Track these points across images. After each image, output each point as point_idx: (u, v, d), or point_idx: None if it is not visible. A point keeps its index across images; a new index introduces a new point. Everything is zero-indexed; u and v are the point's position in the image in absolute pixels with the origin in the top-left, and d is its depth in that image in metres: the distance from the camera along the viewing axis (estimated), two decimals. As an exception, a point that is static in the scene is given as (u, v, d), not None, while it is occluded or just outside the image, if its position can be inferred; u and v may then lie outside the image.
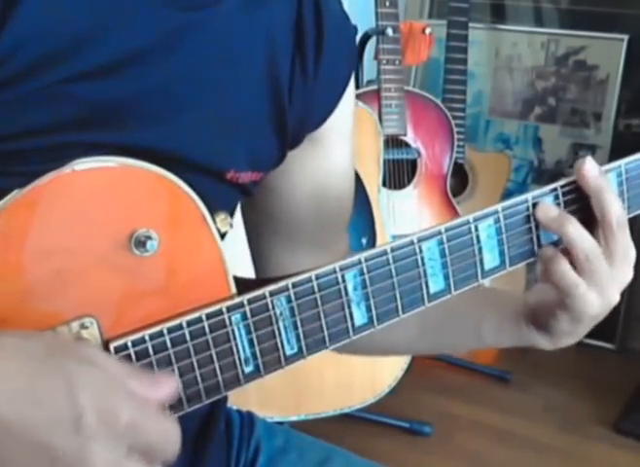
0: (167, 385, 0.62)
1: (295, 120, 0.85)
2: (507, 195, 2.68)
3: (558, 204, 0.81)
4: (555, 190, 0.81)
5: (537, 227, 0.81)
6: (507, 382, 2.62)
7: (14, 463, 0.56)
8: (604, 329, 2.83)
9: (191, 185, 0.69)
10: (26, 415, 0.56)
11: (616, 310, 2.87)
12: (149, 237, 0.65)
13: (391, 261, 0.74)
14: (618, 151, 2.73)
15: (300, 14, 0.83)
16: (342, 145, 0.95)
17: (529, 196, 0.80)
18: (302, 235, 0.96)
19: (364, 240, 2.09)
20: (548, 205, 0.80)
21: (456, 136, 2.51)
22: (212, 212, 0.71)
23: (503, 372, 2.63)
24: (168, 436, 0.60)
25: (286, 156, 0.87)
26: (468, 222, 0.77)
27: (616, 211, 0.80)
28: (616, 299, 0.81)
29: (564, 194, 0.81)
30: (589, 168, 0.80)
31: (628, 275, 0.82)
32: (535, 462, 2.25)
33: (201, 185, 0.72)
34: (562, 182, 0.81)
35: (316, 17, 0.84)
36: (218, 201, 0.79)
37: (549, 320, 0.83)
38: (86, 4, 0.68)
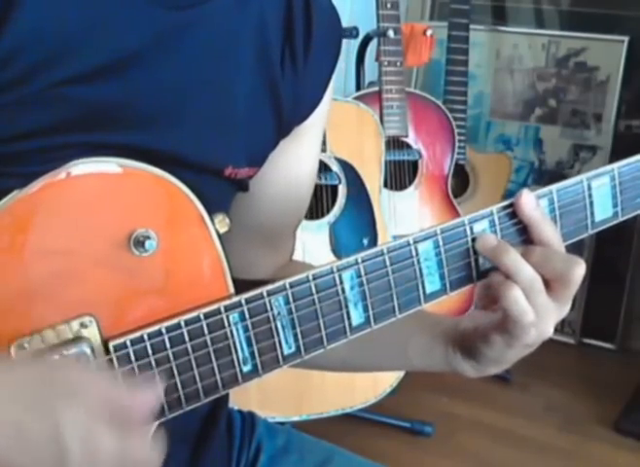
0: (149, 391, 0.62)
1: (288, 110, 0.85)
2: (508, 195, 2.67)
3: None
4: (550, 193, 0.82)
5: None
6: (507, 382, 2.62)
7: None
8: (605, 329, 2.84)
9: (189, 183, 0.70)
10: (14, 456, 0.58)
11: (616, 311, 2.85)
12: (148, 237, 0.66)
13: (387, 262, 0.75)
14: (618, 152, 2.74)
15: (289, 7, 0.83)
16: (315, 144, 0.96)
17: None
18: (258, 236, 0.95)
19: (365, 241, 2.10)
20: (487, 236, 0.78)
21: (457, 137, 2.51)
22: (211, 210, 0.71)
23: (503, 372, 2.63)
24: (150, 457, 0.62)
25: (277, 146, 0.88)
26: (463, 223, 0.78)
27: (553, 239, 0.79)
28: (549, 332, 0.79)
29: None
30: (526, 202, 0.78)
31: (565, 310, 0.81)
32: (535, 462, 2.25)
33: (200, 183, 0.73)
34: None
35: (305, 11, 0.84)
36: (216, 199, 0.79)
37: (478, 346, 0.81)
38: (80, 7, 0.68)
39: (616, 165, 0.85)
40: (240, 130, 0.81)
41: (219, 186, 0.82)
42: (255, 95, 0.82)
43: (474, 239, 0.78)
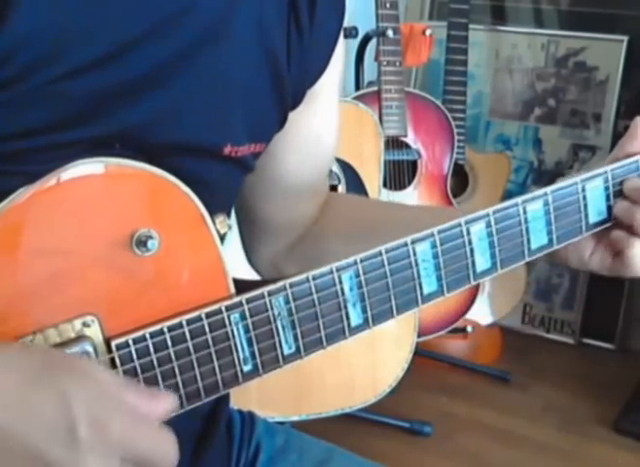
0: (163, 400, 0.62)
1: (295, 80, 0.86)
2: (507, 195, 2.68)
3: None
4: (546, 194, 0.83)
5: (527, 230, 0.82)
6: (507, 382, 2.62)
7: None
8: (604, 329, 2.84)
9: (191, 170, 0.71)
10: (20, 426, 0.56)
11: (616, 311, 2.86)
12: (150, 237, 0.66)
13: (386, 262, 0.75)
14: (617, 152, 2.73)
15: None
16: (333, 97, 0.97)
17: (519, 199, 0.81)
18: (292, 187, 0.98)
19: (364, 241, 2.09)
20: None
21: (456, 137, 2.51)
22: (219, 196, 0.71)
23: (503, 372, 2.64)
24: (163, 450, 0.60)
25: (287, 119, 0.89)
26: (459, 224, 0.78)
27: None
28: None
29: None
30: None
31: None
32: (535, 462, 2.25)
33: (201, 167, 0.73)
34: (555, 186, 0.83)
35: None
36: (221, 183, 0.80)
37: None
38: (79, 3, 0.68)
39: (609, 167, 0.86)
40: (239, 106, 0.81)
41: (221, 168, 0.82)
42: (253, 72, 0.82)
43: (470, 240, 0.79)
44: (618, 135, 2.77)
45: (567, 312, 2.86)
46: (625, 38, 2.75)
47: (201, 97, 0.78)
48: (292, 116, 0.90)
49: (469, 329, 2.62)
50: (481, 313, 2.69)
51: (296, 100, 0.89)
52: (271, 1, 0.82)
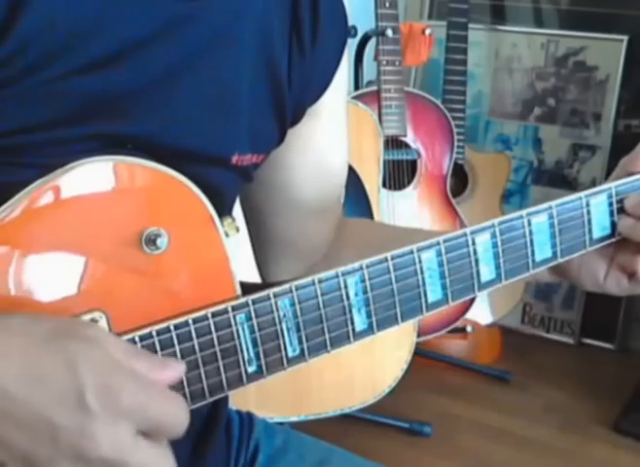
0: (173, 368, 0.62)
1: (295, 96, 0.86)
2: (506, 195, 2.69)
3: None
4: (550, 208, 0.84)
5: (532, 242, 0.83)
6: (507, 382, 2.63)
7: (15, 442, 0.56)
8: (604, 329, 2.84)
9: (198, 177, 0.70)
10: (28, 392, 0.56)
11: (616, 311, 2.86)
12: (159, 235, 0.67)
13: (391, 268, 0.75)
14: (617, 151, 2.74)
15: None
16: (335, 119, 0.97)
17: (524, 212, 0.82)
18: (302, 204, 0.98)
19: (364, 241, 2.09)
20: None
21: (456, 137, 2.51)
22: (223, 204, 0.71)
23: (503, 372, 2.64)
24: (175, 414, 0.60)
25: (286, 135, 0.89)
26: (465, 234, 0.79)
27: None
28: None
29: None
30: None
31: None
32: (535, 462, 2.25)
33: (208, 176, 0.74)
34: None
35: None
36: (226, 191, 0.81)
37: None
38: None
39: (613, 184, 0.87)
40: (242, 115, 0.82)
41: (227, 177, 0.82)
42: (255, 82, 0.82)
43: (475, 250, 0.80)
44: (618, 135, 2.77)
45: (567, 312, 2.86)
46: (625, 38, 2.75)
47: (205, 104, 0.78)
48: (296, 133, 0.90)
49: (469, 329, 2.63)
50: (481, 313, 2.69)
51: (295, 117, 0.89)
52: (276, 18, 0.82)
